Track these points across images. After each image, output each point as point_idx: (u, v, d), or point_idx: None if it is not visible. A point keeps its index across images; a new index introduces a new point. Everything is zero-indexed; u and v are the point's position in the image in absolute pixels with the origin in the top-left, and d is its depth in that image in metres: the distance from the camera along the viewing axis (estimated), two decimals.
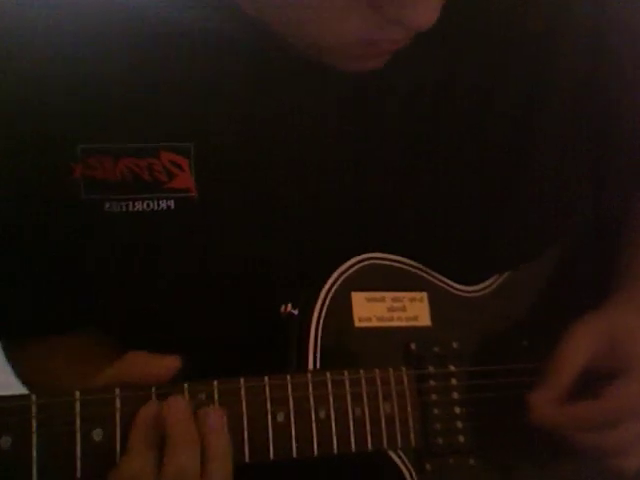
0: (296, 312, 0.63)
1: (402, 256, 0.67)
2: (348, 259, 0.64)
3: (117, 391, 0.51)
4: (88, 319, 0.64)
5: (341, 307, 0.63)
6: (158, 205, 0.60)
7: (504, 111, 0.68)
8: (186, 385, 0.54)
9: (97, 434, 0.50)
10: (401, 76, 0.64)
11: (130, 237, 0.61)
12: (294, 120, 0.63)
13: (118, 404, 0.51)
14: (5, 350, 0.70)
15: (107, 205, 0.60)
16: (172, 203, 0.61)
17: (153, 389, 0.53)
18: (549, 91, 0.68)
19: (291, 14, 0.57)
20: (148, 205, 0.60)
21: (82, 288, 0.63)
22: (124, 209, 0.60)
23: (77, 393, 0.50)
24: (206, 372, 0.57)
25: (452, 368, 0.66)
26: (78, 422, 0.50)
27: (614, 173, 0.73)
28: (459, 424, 0.65)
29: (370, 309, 0.64)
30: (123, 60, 0.61)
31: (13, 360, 0.70)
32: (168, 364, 0.53)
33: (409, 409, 0.62)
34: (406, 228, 0.67)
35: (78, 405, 0.50)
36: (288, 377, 0.58)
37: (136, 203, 0.60)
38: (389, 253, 0.66)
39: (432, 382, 0.65)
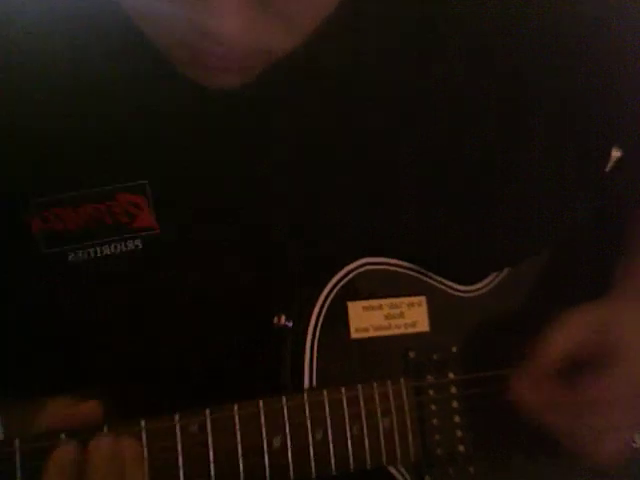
0: (290, 324, 0.60)
1: (398, 258, 0.64)
2: (343, 265, 0.62)
3: (105, 430, 0.49)
4: (70, 374, 0.61)
5: (337, 319, 0.60)
6: (126, 246, 0.59)
7: (494, 108, 0.65)
8: (177, 417, 0.52)
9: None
10: (394, 78, 0.62)
11: (101, 282, 0.59)
12: (241, 144, 0.61)
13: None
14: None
15: (71, 256, 0.59)
16: (139, 242, 0.59)
17: (143, 424, 0.50)
18: (544, 87, 0.66)
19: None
20: (116, 247, 0.59)
21: (58, 344, 0.60)
22: (91, 256, 0.59)
23: (62, 435, 0.48)
24: (198, 391, 0.56)
25: (451, 375, 0.64)
26: None
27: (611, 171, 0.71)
28: (458, 433, 0.64)
29: (367, 318, 0.62)
30: (63, 109, 0.58)
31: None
32: (86, 410, 0.50)
33: (408, 423, 0.61)
34: (400, 228, 0.65)
35: None
36: (283, 400, 0.55)
37: (103, 248, 0.59)
38: (384, 256, 0.64)
39: (431, 392, 0.63)
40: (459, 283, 0.67)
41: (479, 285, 0.68)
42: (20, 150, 0.59)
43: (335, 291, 0.61)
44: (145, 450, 0.50)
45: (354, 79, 0.62)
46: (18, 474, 0.46)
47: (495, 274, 0.69)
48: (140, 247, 0.59)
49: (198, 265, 0.60)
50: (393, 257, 0.64)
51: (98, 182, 0.58)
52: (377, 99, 0.63)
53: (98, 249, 0.59)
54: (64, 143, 0.59)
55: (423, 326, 0.64)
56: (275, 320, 0.61)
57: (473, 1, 0.63)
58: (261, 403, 0.54)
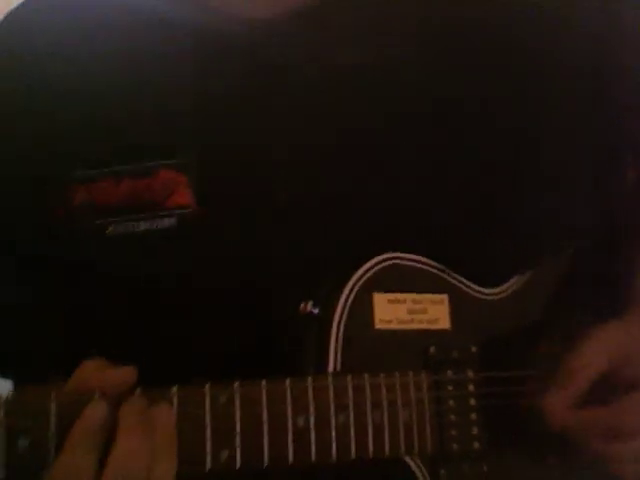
0: (316, 311, 0.61)
1: (423, 256, 0.66)
2: (370, 258, 0.63)
3: (138, 393, 0.50)
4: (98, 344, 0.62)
5: (363, 308, 0.62)
6: (160, 223, 0.60)
7: (519, 107, 0.67)
8: (207, 387, 0.53)
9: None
10: (415, 81, 0.64)
11: (136, 257, 0.61)
12: (288, 123, 0.62)
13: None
14: None
15: (109, 229, 0.60)
16: (174, 220, 0.60)
17: (174, 391, 0.51)
18: (555, 89, 0.68)
19: None
20: (151, 224, 0.60)
21: (90, 315, 0.61)
22: (128, 230, 0.60)
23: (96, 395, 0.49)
24: (222, 373, 0.56)
25: (470, 374, 0.65)
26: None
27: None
28: (474, 430, 0.64)
29: (391, 311, 0.63)
30: (113, 83, 0.61)
31: None
32: (122, 375, 0.51)
33: (427, 416, 0.61)
34: (426, 227, 0.66)
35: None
36: (309, 380, 0.57)
37: (140, 223, 0.60)
38: (410, 253, 0.65)
39: (450, 388, 0.64)
40: (482, 285, 0.68)
41: (501, 288, 0.69)
42: (65, 123, 0.60)
43: (362, 281, 0.62)
44: (175, 416, 0.51)
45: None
46: (52, 428, 0.47)
47: (517, 277, 0.70)
48: (174, 225, 0.60)
49: (228, 248, 0.62)
50: (420, 254, 0.65)
51: (140, 158, 0.60)
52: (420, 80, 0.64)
53: (135, 224, 0.60)
54: (106, 120, 0.60)
55: (444, 324, 0.65)
56: (302, 306, 0.62)
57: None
58: (288, 381, 0.55)
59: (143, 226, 0.60)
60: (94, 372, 0.51)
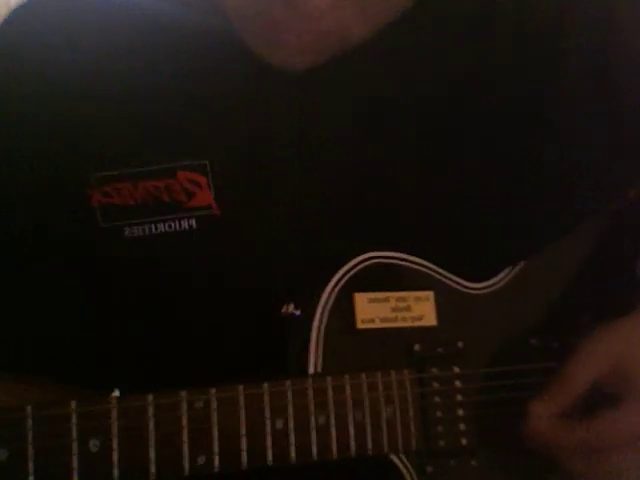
0: (298, 313, 0.62)
1: (408, 253, 0.66)
2: (351, 259, 0.63)
3: (114, 402, 0.51)
4: (113, 343, 0.63)
5: (343, 309, 0.62)
6: (180, 225, 0.60)
7: (511, 106, 0.67)
8: (184, 393, 0.54)
9: (94, 445, 0.50)
10: (419, 76, 0.64)
11: (152, 259, 0.61)
12: (302, 128, 0.63)
13: (115, 415, 0.51)
14: None
15: (127, 231, 0.60)
16: (194, 222, 0.60)
17: (150, 398, 0.53)
18: (562, 84, 0.67)
19: None
20: (170, 226, 0.60)
21: (105, 314, 0.62)
22: (146, 232, 0.60)
23: (73, 403, 0.50)
24: (205, 376, 0.58)
25: (456, 369, 0.65)
26: (74, 433, 0.50)
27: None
28: (462, 426, 0.65)
29: (373, 310, 0.63)
30: (132, 85, 0.61)
31: None
32: None
33: (411, 413, 0.62)
34: (411, 224, 0.66)
35: (75, 416, 0.50)
36: (288, 383, 0.57)
37: (158, 225, 0.60)
38: (394, 250, 0.65)
39: (435, 384, 0.64)
40: (470, 280, 0.68)
41: (490, 282, 0.69)
42: (86, 125, 0.61)
43: (343, 282, 0.62)
44: (151, 423, 0.52)
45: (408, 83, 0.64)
46: (29, 439, 0.49)
47: (506, 271, 0.70)
48: (194, 227, 0.61)
49: (241, 251, 0.62)
50: (403, 252, 0.65)
51: (160, 159, 0.60)
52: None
53: (153, 226, 0.60)
54: (127, 120, 0.61)
55: (430, 320, 0.66)
56: (284, 309, 0.63)
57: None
58: (266, 385, 0.56)
59: (160, 228, 0.61)
60: None
